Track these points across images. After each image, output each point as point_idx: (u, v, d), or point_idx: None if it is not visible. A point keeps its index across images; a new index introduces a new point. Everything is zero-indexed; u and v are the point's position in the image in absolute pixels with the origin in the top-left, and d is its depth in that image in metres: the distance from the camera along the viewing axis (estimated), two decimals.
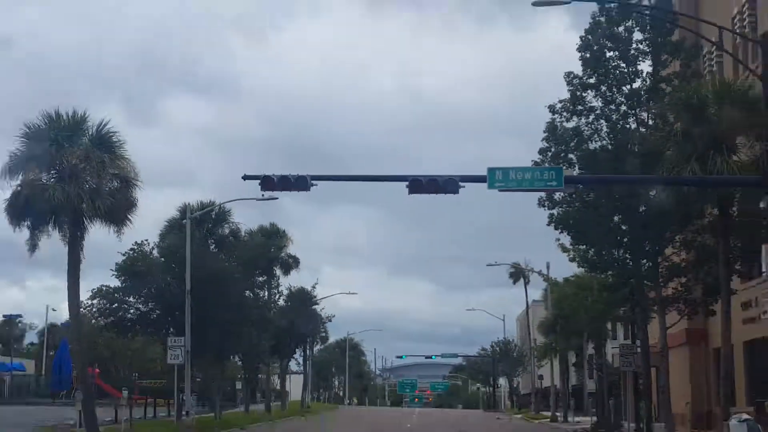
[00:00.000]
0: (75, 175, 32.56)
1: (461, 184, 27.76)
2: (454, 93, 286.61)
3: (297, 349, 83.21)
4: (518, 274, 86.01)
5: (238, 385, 73.23)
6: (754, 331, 40.80)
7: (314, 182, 28.35)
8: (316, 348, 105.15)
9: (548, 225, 38.32)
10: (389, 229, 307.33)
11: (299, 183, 28.07)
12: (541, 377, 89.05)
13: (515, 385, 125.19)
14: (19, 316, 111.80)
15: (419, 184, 27.63)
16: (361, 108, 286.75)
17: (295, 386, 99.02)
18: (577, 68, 37.19)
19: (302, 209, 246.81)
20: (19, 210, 32.74)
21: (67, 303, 34.73)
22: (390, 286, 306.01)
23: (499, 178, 27.53)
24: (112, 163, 33.73)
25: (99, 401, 57.08)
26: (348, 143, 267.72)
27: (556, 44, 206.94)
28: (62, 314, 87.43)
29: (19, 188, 32.78)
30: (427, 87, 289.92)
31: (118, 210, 33.63)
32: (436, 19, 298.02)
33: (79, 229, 33.44)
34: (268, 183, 28.17)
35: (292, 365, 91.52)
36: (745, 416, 28.54)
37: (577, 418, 64.19)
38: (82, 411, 31.19)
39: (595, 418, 50.21)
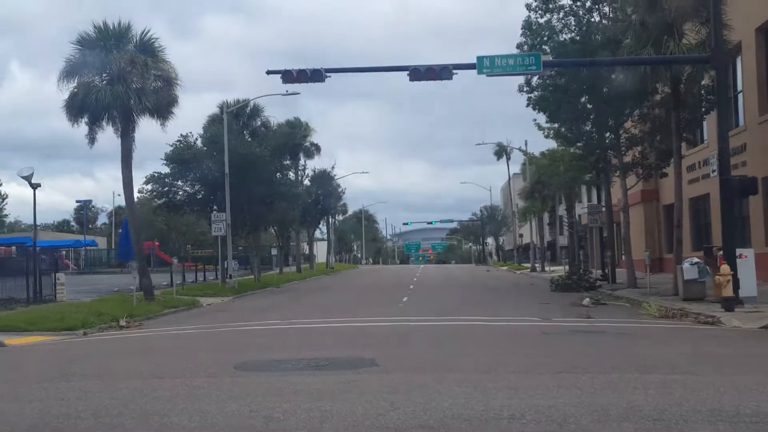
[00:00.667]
0: (123, 76, 31.10)
1: (454, 71, 26.32)
2: (441, 3, 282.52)
3: (321, 220, 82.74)
4: (501, 151, 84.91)
5: (274, 251, 72.73)
6: (696, 189, 40.67)
7: (328, 74, 26.77)
8: (338, 218, 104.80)
9: (527, 107, 37.28)
10: (391, 118, 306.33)
11: (315, 75, 26.50)
12: (521, 235, 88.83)
13: (500, 243, 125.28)
14: (89, 201, 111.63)
15: (418, 73, 26.08)
16: (364, 22, 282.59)
17: (320, 251, 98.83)
18: None
19: (320, 106, 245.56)
20: (76, 109, 31.34)
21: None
22: (394, 166, 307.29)
23: (487, 65, 26.03)
24: (155, 65, 32.19)
25: (159, 269, 56.80)
26: (354, 51, 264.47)
27: None
28: None
29: (75, 90, 31.29)
30: (418, 2, 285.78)
31: (162, 105, 32.26)
32: None
33: (129, 123, 32.04)
34: (288, 76, 26.59)
35: (319, 234, 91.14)
36: (695, 259, 27.77)
37: (552, 268, 63.83)
38: (138, 278, 30.47)
39: (567, 267, 49.53)
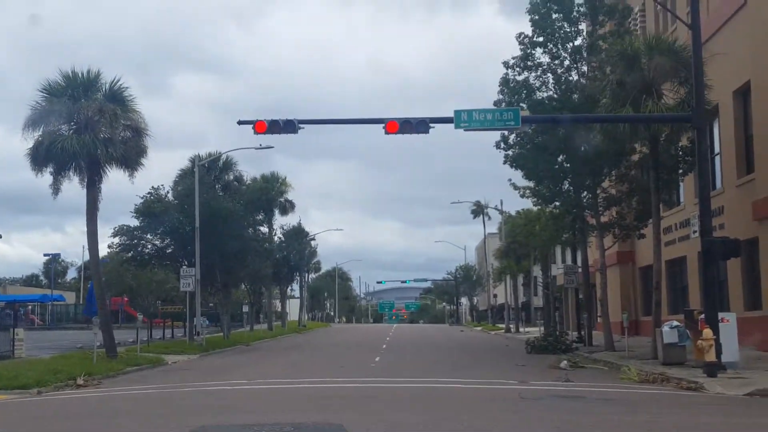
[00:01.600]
0: (90, 125, 29.97)
1: (431, 125, 25.68)
2: (409, 66, 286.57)
3: (294, 277, 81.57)
4: (478, 210, 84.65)
5: (245, 308, 71.33)
6: (673, 251, 39.67)
7: (301, 125, 25.96)
8: (311, 276, 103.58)
9: (504, 164, 36.63)
10: (364, 177, 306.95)
11: (288, 126, 25.70)
12: (495, 296, 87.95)
13: (475, 303, 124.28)
14: (58, 255, 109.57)
15: (395, 126, 25.51)
16: (334, 81, 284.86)
17: (293, 308, 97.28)
18: (507, 45, 35.97)
19: (292, 163, 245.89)
20: (41, 158, 30.10)
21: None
22: (367, 224, 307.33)
23: (464, 119, 25.37)
24: (124, 115, 31.11)
25: (128, 325, 55.26)
26: (324, 109, 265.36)
27: (487, 25, 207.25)
28: None
29: (40, 138, 30.13)
30: (387, 62, 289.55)
31: (130, 156, 31.09)
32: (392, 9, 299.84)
33: (96, 173, 30.83)
34: (261, 127, 25.87)
35: (291, 290, 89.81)
36: (675, 323, 27.00)
37: (526, 329, 62.92)
38: (101, 334, 29.22)
39: (543, 328, 48.67)
